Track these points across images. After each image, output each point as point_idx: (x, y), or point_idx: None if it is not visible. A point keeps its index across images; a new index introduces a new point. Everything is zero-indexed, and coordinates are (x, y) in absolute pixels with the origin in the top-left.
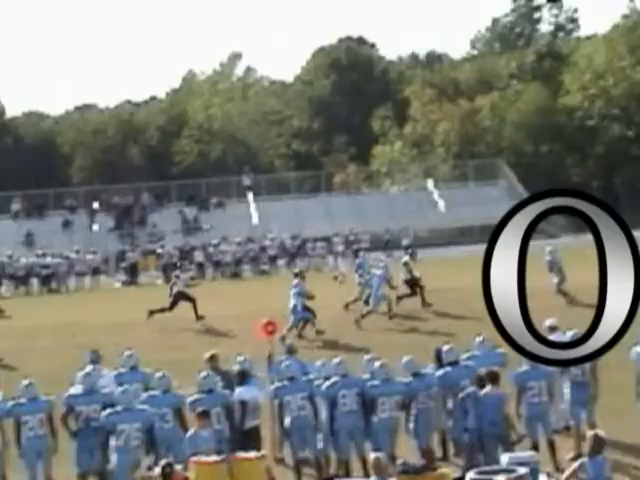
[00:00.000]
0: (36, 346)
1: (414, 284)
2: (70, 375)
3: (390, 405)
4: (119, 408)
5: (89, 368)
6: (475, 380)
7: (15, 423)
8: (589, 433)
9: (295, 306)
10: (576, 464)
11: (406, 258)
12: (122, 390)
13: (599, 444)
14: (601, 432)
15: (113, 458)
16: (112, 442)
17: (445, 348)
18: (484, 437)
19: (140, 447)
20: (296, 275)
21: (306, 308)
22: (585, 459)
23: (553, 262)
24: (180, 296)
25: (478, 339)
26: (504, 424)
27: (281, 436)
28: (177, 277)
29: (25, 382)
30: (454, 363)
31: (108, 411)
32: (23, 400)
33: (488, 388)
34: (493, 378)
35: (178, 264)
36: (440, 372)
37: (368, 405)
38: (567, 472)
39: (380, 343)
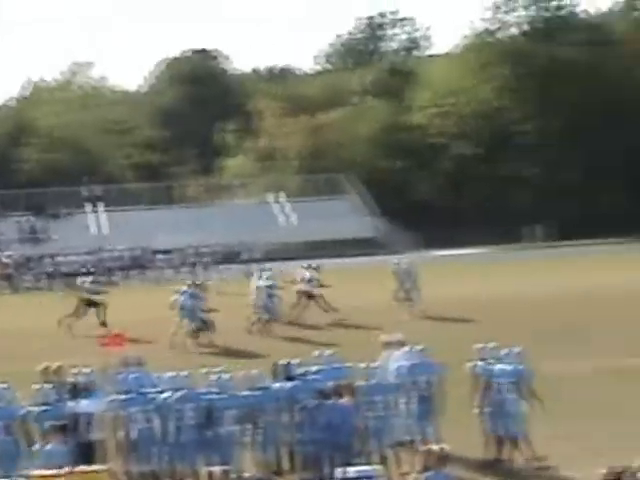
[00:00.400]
0: None
1: (310, 295)
2: None
3: (233, 419)
4: None
5: None
6: (322, 393)
7: None
8: (432, 447)
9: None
10: (421, 478)
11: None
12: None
13: (442, 458)
14: (445, 446)
15: None
16: None
17: (293, 362)
18: (332, 448)
19: None
20: (196, 285)
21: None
22: (430, 473)
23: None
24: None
25: (328, 353)
26: (354, 435)
27: (126, 449)
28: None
29: None
30: (298, 377)
31: None
32: None
33: (344, 399)
34: (348, 390)
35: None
36: (285, 386)
37: (211, 419)
38: None
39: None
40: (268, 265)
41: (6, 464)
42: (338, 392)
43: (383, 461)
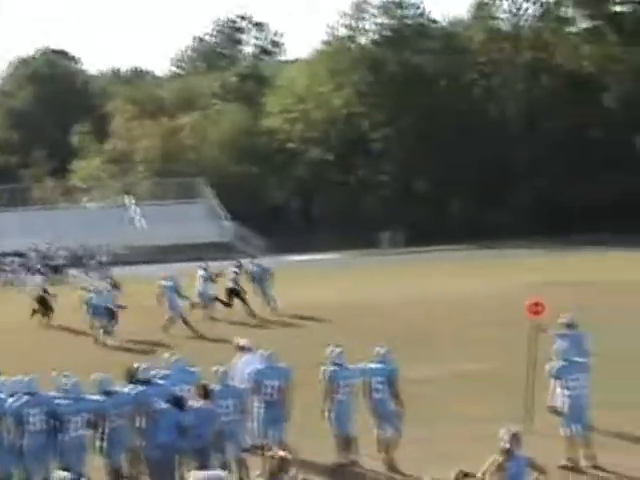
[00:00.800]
0: None
1: (237, 294)
2: None
3: (80, 423)
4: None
5: None
6: (170, 398)
7: None
8: (276, 452)
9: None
10: None
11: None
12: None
13: (284, 464)
14: (288, 452)
15: None
16: None
17: (142, 366)
18: (182, 453)
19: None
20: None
21: None
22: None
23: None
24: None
25: (173, 358)
26: (209, 439)
27: None
28: None
29: None
30: (147, 381)
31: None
32: None
33: (201, 402)
34: (206, 392)
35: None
36: (134, 390)
37: (57, 423)
38: None
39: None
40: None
41: None
42: (204, 393)
43: (237, 465)
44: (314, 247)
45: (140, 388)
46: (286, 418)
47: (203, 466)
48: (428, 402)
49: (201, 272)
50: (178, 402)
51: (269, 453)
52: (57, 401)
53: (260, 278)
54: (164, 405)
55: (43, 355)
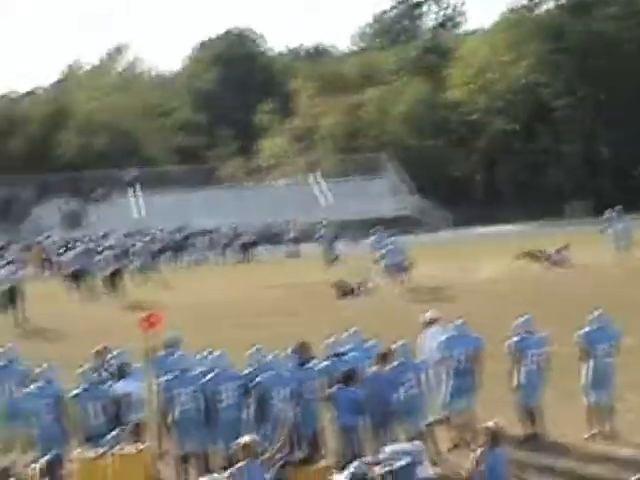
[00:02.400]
0: None
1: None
2: None
3: (283, 396)
4: None
5: None
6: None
7: None
8: (487, 424)
9: None
10: (476, 454)
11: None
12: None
13: (498, 436)
14: (499, 423)
15: None
16: None
17: (330, 340)
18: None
19: None
20: None
21: None
22: (484, 449)
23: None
24: None
25: (352, 331)
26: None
27: (165, 430)
28: None
29: None
30: (338, 355)
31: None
32: None
33: (384, 366)
34: (385, 358)
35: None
36: (325, 364)
37: (260, 397)
38: (469, 463)
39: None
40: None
41: (50, 444)
42: (384, 357)
43: (424, 438)
44: (498, 219)
45: (328, 362)
46: (476, 387)
47: (386, 439)
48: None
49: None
50: (349, 378)
51: (484, 425)
52: (260, 375)
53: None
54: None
55: (237, 331)
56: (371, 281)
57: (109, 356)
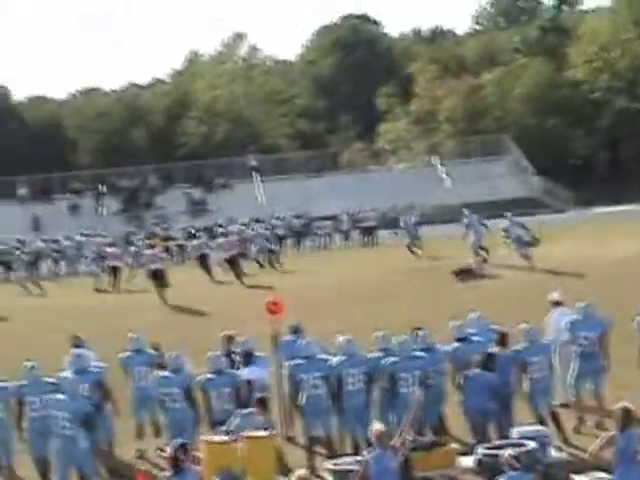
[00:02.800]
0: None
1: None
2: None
3: (412, 380)
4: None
5: (76, 352)
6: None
7: (18, 404)
8: (619, 405)
9: None
10: (605, 437)
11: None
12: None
13: (630, 417)
14: (630, 405)
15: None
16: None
17: (454, 324)
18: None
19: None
20: None
21: None
22: (615, 432)
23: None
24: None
25: (473, 315)
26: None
27: (292, 415)
28: None
29: (29, 364)
30: (463, 339)
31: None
32: (26, 382)
33: (504, 349)
34: (504, 339)
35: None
36: (450, 347)
37: (387, 382)
38: (596, 445)
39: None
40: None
41: (182, 431)
42: (502, 340)
43: (551, 419)
44: (623, 198)
45: (457, 345)
46: (603, 370)
47: (508, 422)
48: None
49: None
50: (489, 362)
51: (615, 407)
52: (387, 359)
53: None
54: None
55: (362, 316)
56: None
57: (236, 342)
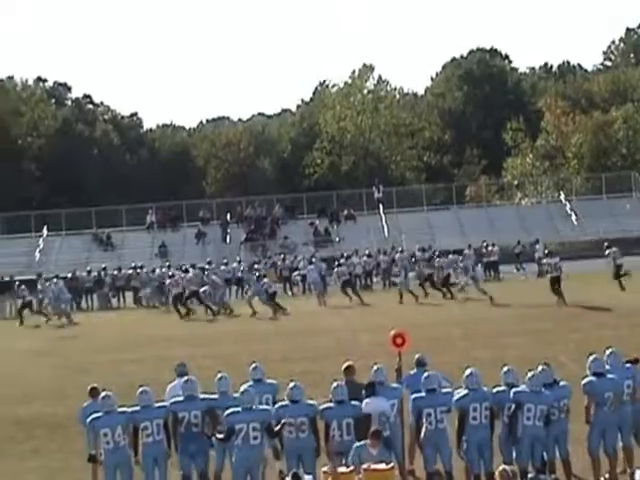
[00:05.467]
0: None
1: None
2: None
3: (537, 414)
4: (238, 409)
5: (185, 378)
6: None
7: (133, 429)
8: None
9: None
10: None
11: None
12: (242, 391)
13: None
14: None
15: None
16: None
17: (591, 358)
18: None
19: (260, 446)
20: None
21: None
22: None
23: None
24: None
25: (609, 351)
26: None
27: (413, 447)
28: None
29: (140, 389)
30: (599, 374)
31: (228, 411)
32: (139, 407)
33: None
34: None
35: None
36: (585, 381)
37: (513, 413)
38: None
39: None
40: None
41: (300, 457)
42: None
43: None
44: None
45: (591, 379)
46: None
47: None
48: None
49: None
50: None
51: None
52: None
53: None
54: None
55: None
56: None
57: (374, 370)
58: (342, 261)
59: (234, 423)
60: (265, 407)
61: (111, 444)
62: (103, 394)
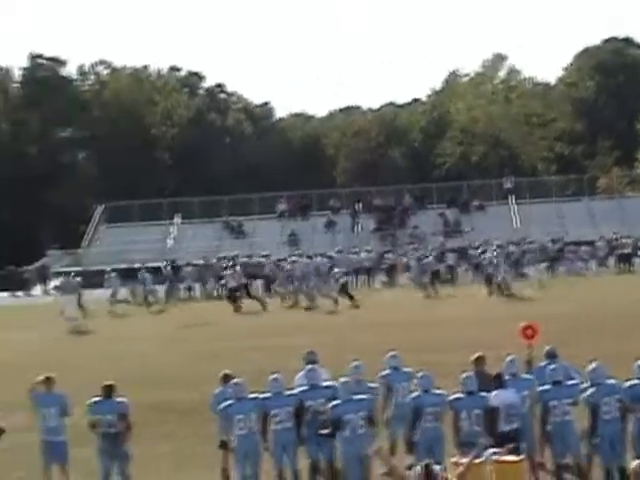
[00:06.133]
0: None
1: None
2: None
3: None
4: (341, 400)
5: (309, 367)
6: None
7: (263, 416)
8: None
9: None
10: None
11: None
12: (343, 381)
13: None
14: None
15: (341, 449)
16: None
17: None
18: None
19: (366, 436)
20: None
21: None
22: None
23: None
24: None
25: None
26: None
27: (542, 440)
28: None
29: (272, 376)
30: None
31: (334, 403)
32: (270, 394)
33: None
34: None
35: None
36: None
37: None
38: None
39: None
40: None
41: (429, 448)
42: None
43: None
44: None
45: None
46: None
47: None
48: None
49: None
50: None
51: None
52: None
53: None
54: None
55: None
56: None
57: (506, 361)
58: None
59: (341, 415)
60: (367, 397)
61: (244, 430)
62: (235, 381)
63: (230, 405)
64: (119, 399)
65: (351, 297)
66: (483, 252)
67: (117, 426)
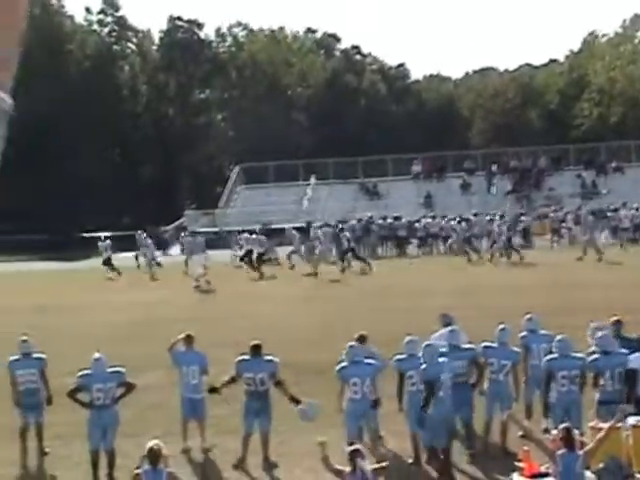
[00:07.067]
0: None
1: None
2: None
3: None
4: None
5: (450, 328)
6: None
7: (399, 376)
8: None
9: None
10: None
11: None
12: (426, 345)
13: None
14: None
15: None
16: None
17: None
18: None
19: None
20: None
21: None
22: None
23: None
24: None
25: None
26: None
27: None
28: None
29: (408, 338)
30: None
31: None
32: (405, 355)
33: None
34: None
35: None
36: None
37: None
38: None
39: None
40: None
41: (573, 414)
42: None
43: None
44: None
45: None
46: None
47: None
48: None
49: None
50: None
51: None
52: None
53: None
54: None
55: None
56: None
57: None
58: (609, 214)
59: (435, 375)
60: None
61: (359, 394)
62: (352, 344)
63: (344, 367)
64: (267, 357)
65: (366, 262)
66: (616, 210)
67: (266, 384)
